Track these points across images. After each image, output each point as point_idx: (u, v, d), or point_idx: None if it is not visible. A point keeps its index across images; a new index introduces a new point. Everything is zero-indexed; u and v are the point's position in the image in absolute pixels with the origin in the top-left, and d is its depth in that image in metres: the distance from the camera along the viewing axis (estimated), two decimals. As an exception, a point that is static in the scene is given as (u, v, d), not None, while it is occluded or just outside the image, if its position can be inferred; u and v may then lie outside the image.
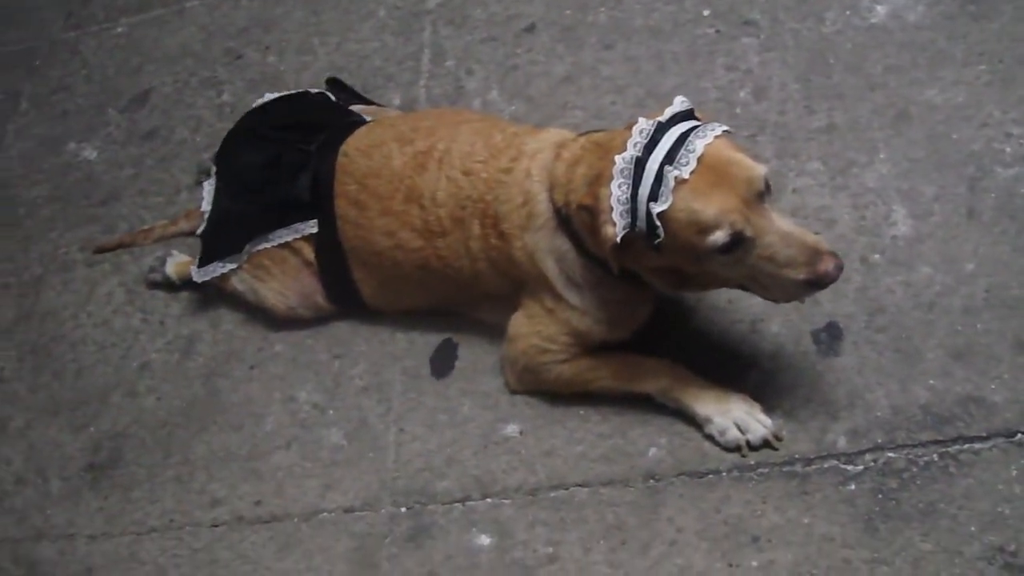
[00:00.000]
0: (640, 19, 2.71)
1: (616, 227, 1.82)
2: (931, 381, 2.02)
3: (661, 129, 1.83)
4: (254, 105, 2.61)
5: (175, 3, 3.28)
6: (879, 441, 1.98)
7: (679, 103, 1.89)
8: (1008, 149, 2.24)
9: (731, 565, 1.93)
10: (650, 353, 2.12)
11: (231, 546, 2.23)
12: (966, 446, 1.93)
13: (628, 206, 1.82)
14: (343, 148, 2.31)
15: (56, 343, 2.65)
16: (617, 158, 1.81)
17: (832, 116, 2.40)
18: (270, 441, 2.34)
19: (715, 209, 1.76)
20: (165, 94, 3.06)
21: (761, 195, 1.80)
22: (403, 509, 2.17)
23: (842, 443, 2.00)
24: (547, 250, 2.02)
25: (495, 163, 2.08)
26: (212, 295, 2.56)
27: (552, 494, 2.10)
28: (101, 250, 2.77)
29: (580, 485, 2.09)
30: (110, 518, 2.34)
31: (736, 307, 2.19)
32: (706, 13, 2.66)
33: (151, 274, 2.63)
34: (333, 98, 2.58)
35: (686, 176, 1.77)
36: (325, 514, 2.22)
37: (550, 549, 2.04)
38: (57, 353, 2.64)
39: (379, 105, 2.65)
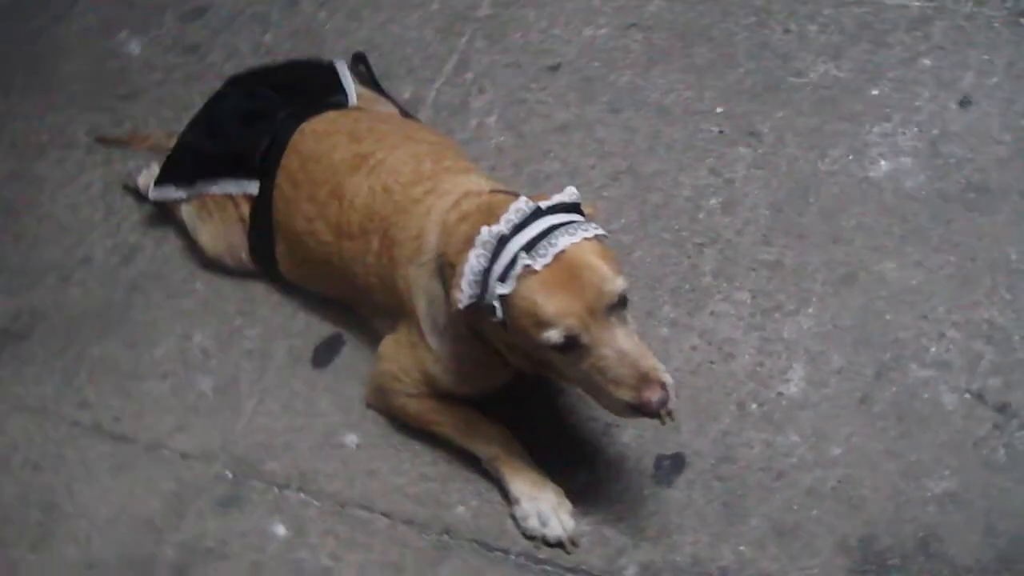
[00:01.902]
0: (656, 95, 2.67)
1: (463, 294, 1.83)
2: (742, 547, 1.96)
3: (537, 214, 1.82)
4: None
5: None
6: (666, 585, 1.94)
7: (568, 194, 1.87)
8: (933, 349, 2.13)
9: (476, 648, 1.94)
10: (498, 417, 2.12)
11: (79, 449, 2.35)
12: (742, 623, 1.88)
13: (479, 278, 1.82)
14: (303, 125, 2.37)
15: (28, 210, 2.82)
16: (484, 229, 1.81)
17: (784, 254, 2.32)
18: (152, 367, 2.44)
19: (555, 308, 1.75)
20: (220, 16, 3.17)
21: (611, 308, 1.78)
22: (228, 474, 2.25)
23: (631, 572, 1.97)
24: (423, 288, 2.04)
25: (411, 190, 2.11)
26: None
27: (357, 512, 2.14)
28: (102, 140, 2.92)
29: (384, 514, 2.12)
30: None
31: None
32: (719, 111, 2.60)
33: (127, 178, 2.77)
34: (343, 72, 2.63)
35: (537, 268, 1.76)
36: (165, 451, 2.31)
37: (330, 562, 2.08)
38: (25, 219, 2.80)
39: (382, 95, 2.69)
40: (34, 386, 2.48)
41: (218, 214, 2.48)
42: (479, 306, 1.85)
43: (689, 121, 2.60)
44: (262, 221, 2.40)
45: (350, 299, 2.34)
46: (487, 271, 1.82)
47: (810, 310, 2.24)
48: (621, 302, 1.79)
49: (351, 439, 2.24)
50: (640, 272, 2.35)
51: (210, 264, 2.56)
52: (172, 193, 2.53)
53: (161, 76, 3.06)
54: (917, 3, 2.69)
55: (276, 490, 2.20)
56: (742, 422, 2.11)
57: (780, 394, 2.13)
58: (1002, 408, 2.03)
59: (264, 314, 2.48)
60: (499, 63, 2.85)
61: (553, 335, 1.76)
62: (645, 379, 1.76)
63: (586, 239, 1.80)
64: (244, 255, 2.48)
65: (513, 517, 2.05)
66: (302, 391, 2.33)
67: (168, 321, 2.51)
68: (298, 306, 2.47)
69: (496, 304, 1.79)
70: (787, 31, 2.73)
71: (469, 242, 1.86)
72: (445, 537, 2.07)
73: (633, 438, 2.12)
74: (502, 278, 1.79)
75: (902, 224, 2.32)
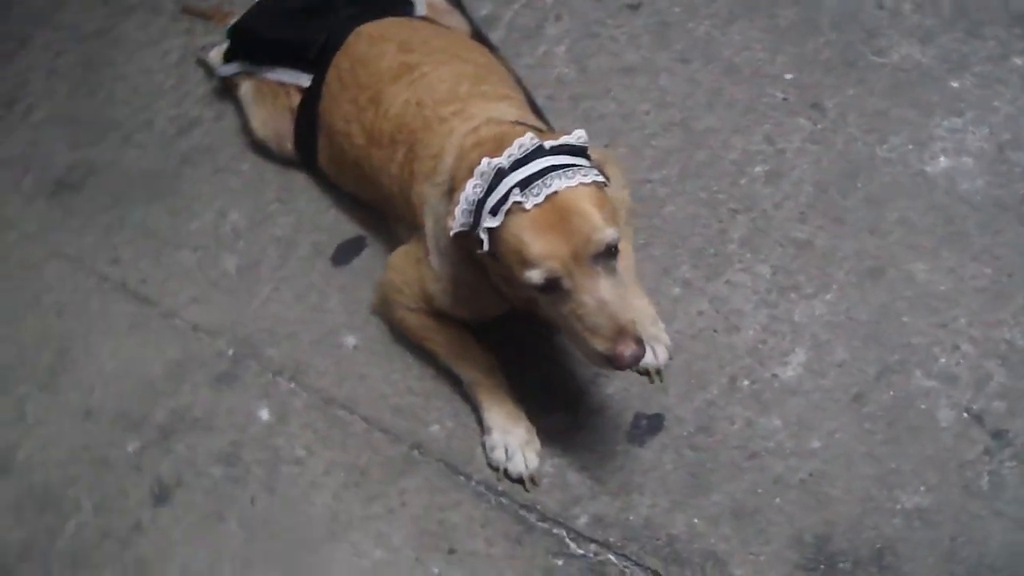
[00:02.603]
0: (729, 51, 2.58)
1: (455, 221, 1.84)
2: (696, 520, 1.94)
3: (539, 152, 1.80)
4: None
5: None
6: (611, 540, 1.94)
7: (575, 136, 1.84)
8: (943, 360, 2.05)
9: (417, 559, 1.98)
10: (490, 348, 2.14)
11: (102, 303, 2.46)
12: (678, 592, 1.88)
13: (473, 208, 1.82)
14: (361, 28, 2.38)
15: (106, 68, 2.92)
16: (484, 160, 1.80)
17: (816, 235, 2.25)
18: (186, 238, 2.53)
19: (539, 249, 1.74)
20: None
21: (598, 256, 1.76)
22: (230, 352, 2.32)
23: (582, 521, 1.97)
24: (432, 207, 2.05)
25: (441, 108, 2.10)
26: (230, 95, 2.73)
27: (339, 412, 2.19)
28: (187, 10, 2.99)
29: (363, 418, 2.17)
30: (43, 228, 2.61)
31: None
32: (788, 77, 2.51)
33: (202, 52, 2.83)
34: None
35: (527, 207, 1.75)
36: (179, 320, 2.40)
37: (303, 453, 2.15)
38: (102, 76, 2.90)
39: (457, 9, 2.67)
40: (75, 236, 2.59)
41: (271, 100, 2.53)
42: (469, 235, 1.85)
43: (755, 83, 2.52)
44: (309, 114, 2.43)
45: (377, 204, 2.36)
46: (482, 202, 1.81)
47: (828, 296, 2.17)
48: (609, 252, 1.77)
49: (350, 340, 2.29)
50: (667, 228, 2.31)
51: (258, 147, 2.62)
52: (235, 70, 2.58)
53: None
54: (1027, -3, 2.52)
55: (270, 375, 2.27)
56: (730, 396, 2.07)
57: (775, 376, 2.09)
58: (998, 434, 1.95)
59: (299, 205, 2.53)
60: (583, -8, 2.80)
61: (534, 275, 1.75)
62: (621, 332, 1.75)
63: (583, 184, 1.77)
64: (289, 144, 2.53)
65: (483, 445, 2.07)
66: (317, 285, 2.39)
67: (210, 196, 2.59)
68: (331, 203, 2.51)
69: (484, 236, 1.79)
70: (881, 6, 2.60)
71: (472, 172, 1.85)
72: (415, 452, 2.11)
73: (618, 391, 2.11)
74: (493, 211, 1.78)
75: (946, 226, 2.22)
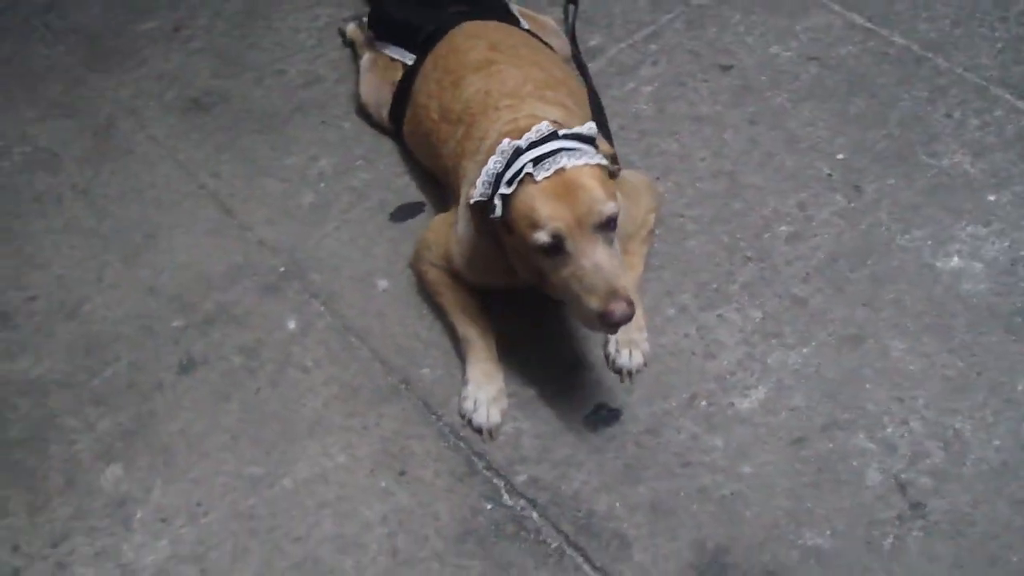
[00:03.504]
0: (794, 124, 2.78)
1: (475, 191, 2.12)
2: (617, 504, 2.14)
3: (552, 137, 2.06)
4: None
5: None
6: (539, 500, 2.16)
7: (587, 127, 2.10)
8: (889, 430, 2.19)
9: (372, 471, 2.24)
10: (492, 316, 2.39)
11: (193, 206, 2.81)
12: (581, 561, 2.07)
13: (492, 180, 2.10)
14: (464, 24, 2.70)
15: (262, 19, 3.33)
16: (504, 141, 2.08)
17: (813, 296, 2.42)
18: (277, 171, 2.87)
19: (547, 212, 2.00)
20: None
21: (598, 226, 2.01)
22: (281, 268, 2.65)
23: (521, 479, 2.20)
24: (468, 182, 2.33)
25: (501, 99, 2.38)
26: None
27: (352, 339, 2.48)
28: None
29: (371, 349, 2.45)
30: (168, 135, 3.01)
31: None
32: (840, 157, 2.69)
33: (343, 22, 3.22)
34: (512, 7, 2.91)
35: (538, 178, 2.01)
36: (249, 234, 2.74)
37: (311, 364, 2.44)
38: (256, 25, 3.31)
39: (565, 35, 2.98)
40: (190, 147, 2.98)
41: (381, 71, 2.87)
42: (487, 205, 2.12)
43: (808, 155, 2.71)
44: (405, 89, 2.76)
45: (437, 173, 2.66)
46: (500, 175, 2.09)
47: (805, 350, 2.34)
48: (608, 224, 2.01)
49: (382, 283, 2.58)
50: (682, 258, 2.53)
51: (361, 112, 2.96)
52: (368, 38, 2.94)
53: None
54: (1089, 137, 2.64)
55: (307, 296, 2.58)
56: (685, 411, 2.26)
57: (732, 404, 2.27)
58: (916, 506, 2.08)
59: (379, 166, 2.85)
60: (684, 47, 3.05)
61: (542, 236, 2.01)
62: (614, 293, 1.99)
63: (588, 165, 2.03)
64: (385, 112, 2.86)
65: (459, 395, 2.32)
66: (371, 233, 2.69)
67: (308, 142, 2.94)
68: (406, 170, 2.83)
69: (498, 203, 2.06)
70: (948, 115, 2.76)
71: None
72: (402, 386, 2.38)
73: (590, 381, 2.33)
74: (509, 182, 2.05)
75: (936, 316, 2.35)
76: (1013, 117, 2.72)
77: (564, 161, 2.02)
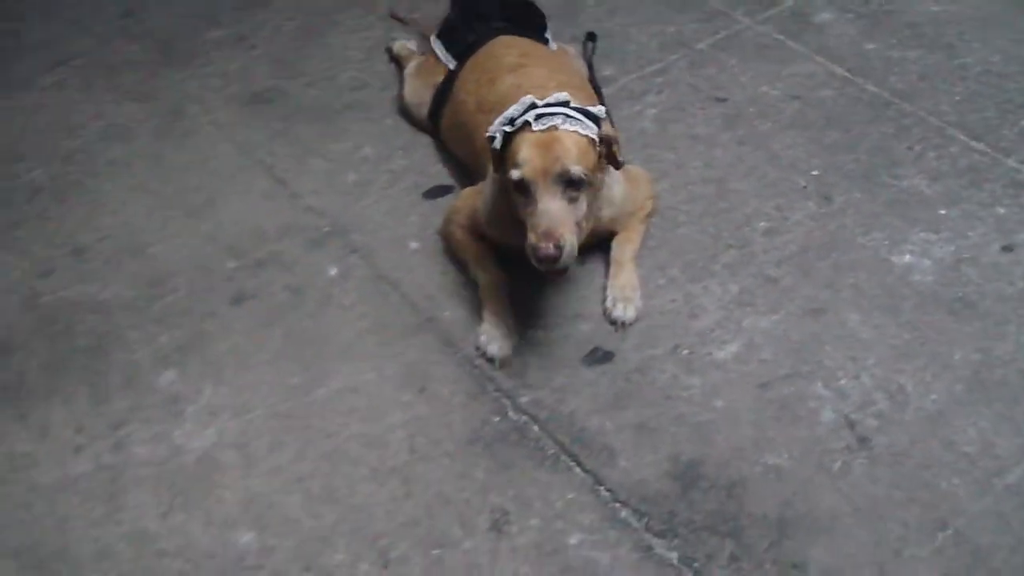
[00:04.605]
0: (777, 145, 3.21)
1: (492, 127, 2.53)
2: (607, 423, 2.47)
3: (564, 104, 2.48)
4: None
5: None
6: (539, 416, 2.50)
7: (596, 109, 2.52)
8: (842, 381, 2.53)
9: (397, 387, 2.59)
10: (509, 271, 2.77)
11: (249, 178, 3.22)
12: (573, 465, 2.41)
13: (506, 122, 2.51)
14: (501, 36, 3.15)
15: (317, 35, 3.82)
16: (524, 97, 2.51)
17: (784, 277, 2.79)
18: (325, 154, 3.29)
19: (524, 155, 2.40)
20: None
21: (561, 178, 2.38)
22: (326, 228, 3.03)
23: (524, 399, 2.54)
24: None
25: (531, 91, 2.78)
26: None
27: (384, 286, 2.84)
28: (392, 15, 3.87)
29: (401, 294, 2.81)
30: (230, 122, 3.44)
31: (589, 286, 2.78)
32: (814, 173, 3.11)
33: (390, 42, 3.69)
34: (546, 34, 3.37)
35: (533, 129, 2.42)
36: (300, 201, 3.14)
37: (348, 302, 2.80)
38: (312, 40, 3.79)
39: (584, 61, 3.44)
40: (250, 132, 3.40)
41: (425, 75, 3.31)
42: (493, 139, 2.52)
43: (786, 171, 3.13)
44: (445, 90, 3.20)
45: (469, 160, 3.07)
46: (513, 120, 2.50)
47: (774, 317, 2.71)
48: (571, 182, 2.39)
49: (414, 244, 2.96)
50: (674, 241, 2.92)
51: (403, 112, 3.40)
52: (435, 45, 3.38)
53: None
54: (1032, 172, 3.08)
55: (348, 251, 2.96)
56: (670, 356, 2.63)
57: (709, 353, 2.63)
58: (863, 440, 2.42)
59: (416, 155, 3.28)
60: (685, 81, 3.51)
61: (515, 173, 2.41)
62: (548, 234, 2.36)
63: (578, 132, 2.43)
64: (425, 110, 3.29)
65: (475, 331, 2.69)
66: (405, 207, 3.09)
67: (354, 132, 3.37)
68: (440, 159, 3.24)
69: (498, 136, 2.48)
70: (910, 148, 3.19)
71: None
72: (427, 323, 2.74)
73: (590, 329, 2.70)
74: (512, 123, 2.48)
75: (887, 298, 2.74)
76: (966, 152, 3.16)
77: (558, 122, 2.43)
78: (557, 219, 2.38)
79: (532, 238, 2.38)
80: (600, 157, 2.51)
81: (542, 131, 2.42)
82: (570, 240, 2.38)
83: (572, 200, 2.42)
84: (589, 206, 2.49)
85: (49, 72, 3.76)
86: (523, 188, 2.42)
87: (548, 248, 2.34)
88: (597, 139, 2.48)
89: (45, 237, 3.07)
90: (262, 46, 3.78)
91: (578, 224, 2.45)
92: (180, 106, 3.53)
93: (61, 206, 3.18)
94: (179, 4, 4.09)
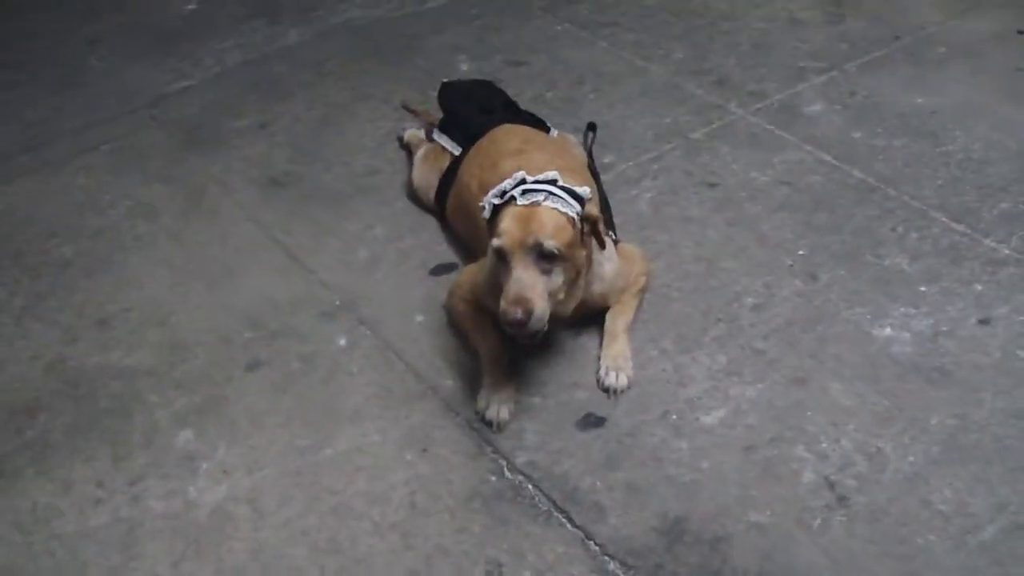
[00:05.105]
0: (766, 227, 3.39)
1: (485, 199, 2.72)
2: (598, 483, 2.59)
3: (551, 182, 2.67)
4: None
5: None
6: (534, 476, 2.63)
7: (581, 189, 2.69)
8: (823, 445, 2.66)
9: (400, 448, 2.74)
10: (506, 341, 2.94)
11: (265, 254, 3.43)
12: (565, 521, 2.54)
13: (498, 195, 2.69)
14: (505, 124, 3.37)
15: (334, 125, 4.05)
16: (517, 173, 2.70)
17: (770, 348, 2.94)
18: (339, 233, 3.49)
19: (504, 226, 2.59)
20: (535, 68, 4.31)
21: (534, 250, 2.55)
22: (337, 302, 3.21)
23: (520, 460, 2.68)
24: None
25: (533, 174, 3.01)
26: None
27: (390, 355, 3.01)
28: (405, 107, 4.11)
29: (405, 363, 2.97)
30: (251, 203, 3.65)
31: (584, 356, 2.93)
32: (800, 252, 3.28)
33: (401, 131, 3.92)
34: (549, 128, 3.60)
35: (518, 203, 2.61)
36: (313, 276, 3.33)
37: (355, 369, 2.97)
38: (329, 129, 4.03)
39: (584, 150, 3.65)
40: (267, 212, 3.61)
41: (432, 161, 3.53)
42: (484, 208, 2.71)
43: (774, 251, 3.31)
44: (450, 175, 3.41)
45: (472, 240, 3.26)
46: (504, 193, 2.68)
47: (759, 386, 2.85)
48: (544, 254, 2.54)
49: (419, 317, 3.14)
50: (667, 315, 3.09)
51: (412, 196, 3.61)
52: (436, 136, 3.60)
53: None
54: (1007, 251, 3.23)
55: (356, 322, 3.13)
56: (660, 421, 2.77)
57: (697, 419, 2.77)
58: (842, 499, 2.54)
59: (423, 235, 3.47)
60: (680, 168, 3.72)
61: (495, 241, 2.59)
62: (517, 300, 2.52)
63: (558, 210, 2.61)
64: (432, 195, 3.49)
65: (476, 397, 2.84)
66: (412, 282, 3.27)
67: (366, 214, 3.58)
68: (444, 240, 3.44)
69: (488, 208, 2.68)
70: (893, 229, 3.37)
71: None
72: (429, 391, 2.90)
73: (585, 396, 2.85)
74: (501, 196, 2.67)
75: (868, 368, 2.88)
76: (947, 233, 3.33)
77: (540, 198, 2.62)
78: (527, 286, 2.54)
79: (503, 303, 2.55)
80: (583, 235, 2.69)
81: (525, 205, 2.60)
82: (540, 307, 2.54)
83: (545, 272, 2.59)
84: (568, 280, 2.66)
85: (82, 155, 4.00)
86: (502, 256, 2.60)
87: (516, 313, 2.50)
88: (577, 217, 2.65)
89: (73, 308, 3.26)
90: (282, 134, 4.03)
91: (551, 294, 2.61)
92: (203, 187, 3.76)
93: (89, 279, 3.38)
94: (205, 95, 4.36)
